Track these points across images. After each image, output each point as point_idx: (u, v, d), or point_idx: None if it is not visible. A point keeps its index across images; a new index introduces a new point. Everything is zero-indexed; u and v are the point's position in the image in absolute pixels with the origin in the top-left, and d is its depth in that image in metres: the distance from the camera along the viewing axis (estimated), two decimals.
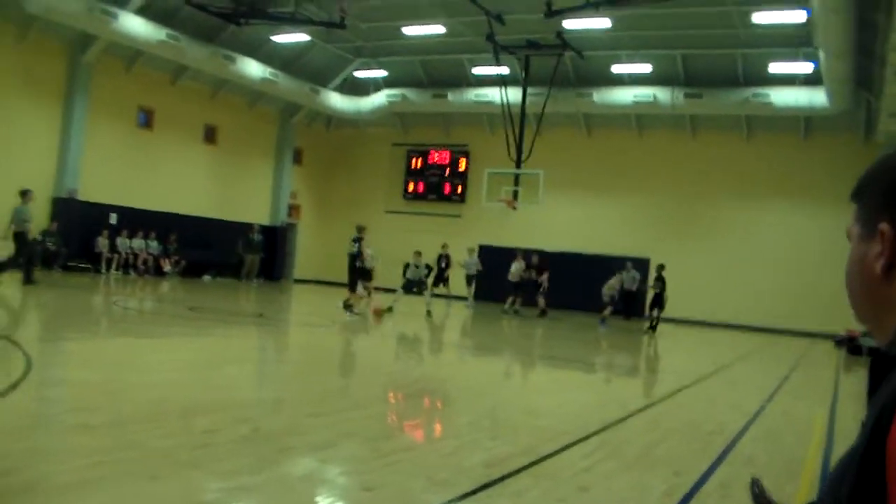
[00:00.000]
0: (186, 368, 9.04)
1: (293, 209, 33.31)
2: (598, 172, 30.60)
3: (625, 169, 30.33)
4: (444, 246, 24.39)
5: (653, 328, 21.53)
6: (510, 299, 24.28)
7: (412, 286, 20.78)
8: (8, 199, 19.33)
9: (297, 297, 25.74)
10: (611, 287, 22.52)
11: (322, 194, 35.06)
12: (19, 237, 17.89)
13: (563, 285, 27.03)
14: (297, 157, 33.75)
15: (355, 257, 18.76)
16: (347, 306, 18.48)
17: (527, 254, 25.58)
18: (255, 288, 26.51)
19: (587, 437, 6.77)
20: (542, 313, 24.57)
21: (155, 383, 7.78)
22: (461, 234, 29.69)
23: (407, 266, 21.26)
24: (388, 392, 8.90)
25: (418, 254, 20.97)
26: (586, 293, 26.45)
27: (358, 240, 18.70)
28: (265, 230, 31.03)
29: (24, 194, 18.32)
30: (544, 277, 25.00)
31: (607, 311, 21.81)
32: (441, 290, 23.27)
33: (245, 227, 29.77)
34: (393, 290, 21.04)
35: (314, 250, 33.35)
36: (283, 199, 32.86)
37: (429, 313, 20.59)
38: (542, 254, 26.48)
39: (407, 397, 8.55)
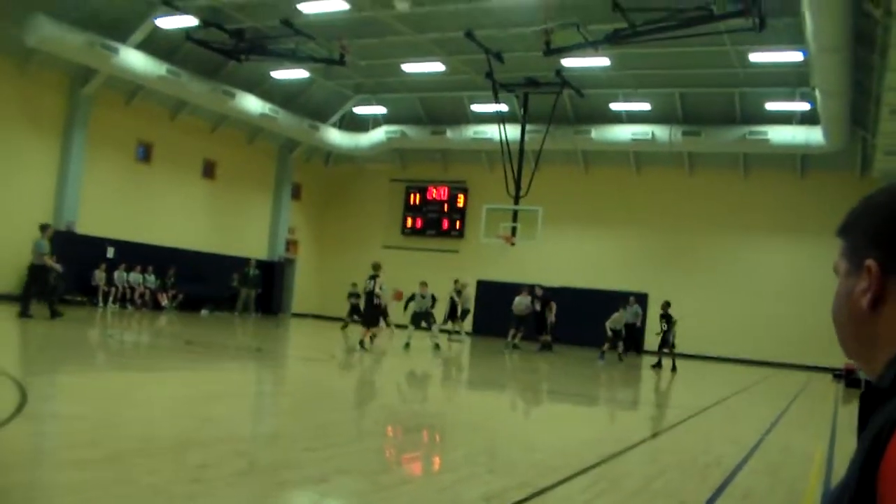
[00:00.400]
0: (182, 402, 8.92)
1: (291, 244, 33.19)
2: (596, 208, 30.56)
3: (623, 205, 30.28)
4: (457, 281, 24.27)
5: (658, 366, 21.26)
6: (512, 332, 23.85)
7: (419, 319, 20.47)
8: (6, 233, 19.07)
9: (295, 331, 25.55)
10: (615, 321, 22.25)
11: (320, 229, 34.74)
12: (36, 270, 18.07)
13: (562, 320, 26.65)
14: (296, 193, 33.48)
15: (371, 294, 18.61)
16: (362, 343, 18.36)
17: (531, 288, 25.24)
18: (252, 322, 26.30)
19: (586, 471, 6.70)
20: (544, 347, 24.38)
21: (150, 418, 7.70)
22: (459, 270, 29.43)
23: (412, 298, 21.05)
24: (386, 426, 8.80)
25: (424, 284, 20.78)
26: (585, 328, 26.38)
27: (374, 277, 18.56)
28: (264, 265, 30.81)
29: (44, 229, 18.46)
30: (551, 311, 24.72)
31: (606, 345, 21.64)
32: (451, 326, 23.31)
33: (243, 262, 29.48)
34: (400, 326, 20.78)
35: (312, 285, 33.04)
36: (281, 234, 32.54)
37: (437, 346, 20.28)
38: (539, 287, 26.29)
39: (405, 431, 8.45)
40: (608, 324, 22.01)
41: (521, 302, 24.19)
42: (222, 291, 28.76)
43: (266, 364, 14.69)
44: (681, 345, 25.22)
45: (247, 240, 30.94)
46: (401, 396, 11.98)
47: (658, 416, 11.95)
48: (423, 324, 20.78)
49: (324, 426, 8.03)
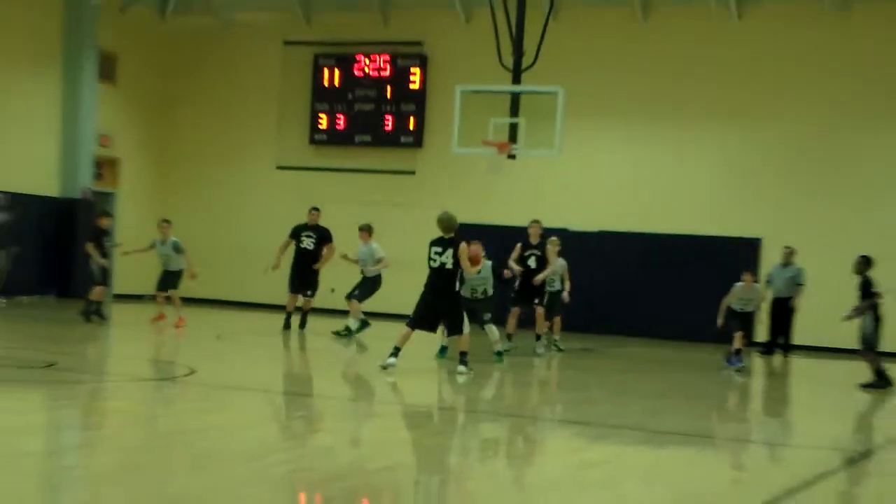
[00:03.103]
0: None
1: (105, 166, 24.69)
2: (662, 88, 22.69)
3: (712, 81, 22.47)
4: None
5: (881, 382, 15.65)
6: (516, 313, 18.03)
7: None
8: None
9: (117, 330, 19.26)
10: (743, 296, 16.92)
11: (158, 137, 26.76)
12: None
13: (600, 292, 21.59)
14: (108, 70, 24.70)
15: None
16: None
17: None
18: (29, 309, 21.05)
19: None
20: (539, 338, 18.17)
21: None
22: (416, 205, 23.52)
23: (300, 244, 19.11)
24: (292, 494, 6.67)
25: (366, 230, 18.07)
26: (648, 306, 22.21)
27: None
28: (54, 206, 23.14)
29: None
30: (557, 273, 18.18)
31: (738, 341, 16.64)
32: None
33: None
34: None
35: (147, 240, 23.17)
36: (82, 149, 23.63)
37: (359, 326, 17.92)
38: (560, 234, 19.32)
39: (325, 502, 6.51)
40: (734, 303, 16.82)
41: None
42: None
43: (66, 393, 11.16)
44: (825, 331, 20.36)
45: (15, 161, 22.33)
46: (311, 440, 8.96)
47: (783, 466, 9.00)
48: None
49: (176, 501, 6.14)
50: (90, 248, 16.84)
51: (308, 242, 17.52)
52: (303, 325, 17.21)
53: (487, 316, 15.19)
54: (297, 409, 11.06)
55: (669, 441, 9.63)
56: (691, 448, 9.40)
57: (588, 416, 10.92)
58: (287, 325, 17.03)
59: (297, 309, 17.45)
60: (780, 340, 19.32)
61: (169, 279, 17.09)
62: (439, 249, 13.35)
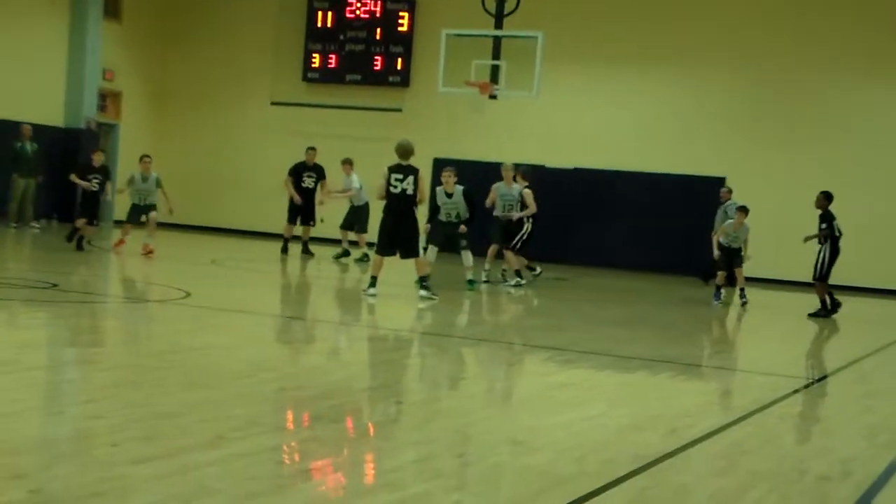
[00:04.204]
0: None
1: (109, 99, 25.27)
2: (636, 34, 23.41)
3: (685, 29, 23.21)
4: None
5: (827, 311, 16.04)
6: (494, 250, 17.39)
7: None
8: None
9: (116, 255, 18.38)
10: (727, 234, 16.95)
11: (159, 73, 27.20)
12: None
13: (574, 225, 22.40)
14: (113, 9, 25.16)
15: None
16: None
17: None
18: (37, 236, 20.63)
19: (614, 485, 5.13)
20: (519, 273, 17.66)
21: None
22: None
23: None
24: (279, 411, 6.64)
25: (347, 163, 18.89)
26: (619, 239, 22.60)
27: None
28: (59, 135, 23.25)
29: None
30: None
31: (720, 274, 16.99)
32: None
33: (10, 131, 21.39)
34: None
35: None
36: (87, 83, 23.96)
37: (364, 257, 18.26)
38: (537, 170, 19.77)
39: (312, 419, 6.34)
40: (721, 237, 17.08)
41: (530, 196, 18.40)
42: None
43: (67, 311, 11.06)
44: (782, 265, 21.18)
45: (25, 94, 22.60)
46: (305, 358, 9.01)
47: (739, 389, 9.37)
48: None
49: (167, 417, 6.02)
50: (74, 177, 16.79)
51: (309, 182, 18.31)
52: (306, 250, 17.90)
53: (464, 242, 15.13)
54: (288, 331, 10.96)
55: (635, 366, 9.76)
56: (655, 373, 9.55)
57: (558, 341, 10.96)
58: (285, 250, 17.68)
59: (294, 237, 18.08)
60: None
61: (144, 211, 16.46)
62: (400, 176, 13.22)
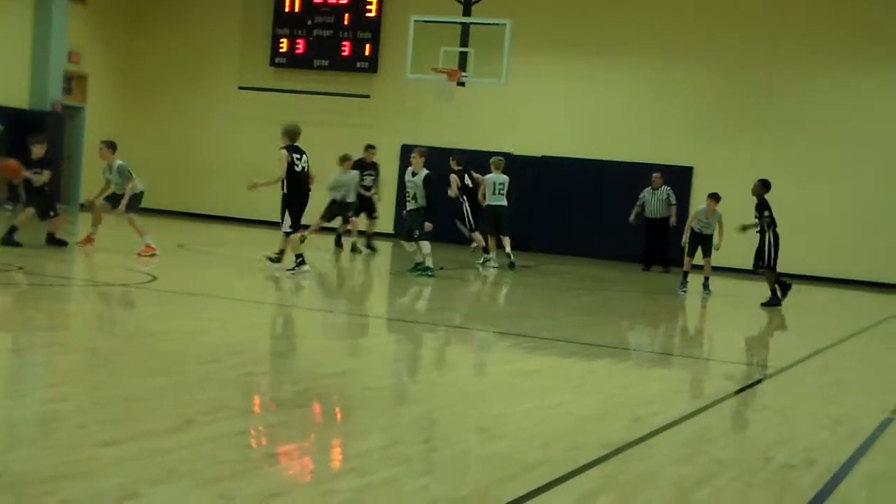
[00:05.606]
0: None
1: (74, 81, 24.69)
2: (604, 24, 23.22)
3: (654, 18, 22.98)
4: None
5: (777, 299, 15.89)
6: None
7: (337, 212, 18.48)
8: None
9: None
10: (700, 220, 17.02)
11: (125, 55, 26.58)
12: None
13: (541, 213, 22.29)
14: None
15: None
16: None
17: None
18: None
19: (579, 472, 5.16)
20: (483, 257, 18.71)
21: None
22: (370, 127, 23.58)
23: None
24: (245, 396, 6.50)
25: (346, 159, 18.54)
26: (584, 228, 22.72)
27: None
28: (23, 117, 22.46)
29: None
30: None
31: (688, 262, 16.82)
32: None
33: None
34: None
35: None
36: (53, 65, 23.47)
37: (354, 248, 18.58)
38: (505, 158, 19.79)
39: (280, 406, 6.24)
40: (694, 224, 16.89)
41: (456, 180, 19.34)
42: None
43: (33, 294, 11.05)
44: (743, 256, 19.53)
45: None
46: (275, 345, 9.01)
47: (704, 377, 9.39)
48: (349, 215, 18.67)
49: (135, 400, 5.95)
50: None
51: (369, 180, 19.07)
52: (370, 246, 18.57)
53: (416, 233, 15.29)
54: (255, 316, 10.70)
55: (600, 354, 9.69)
56: (620, 361, 9.55)
57: (524, 328, 10.88)
58: (339, 243, 18.33)
59: (360, 232, 18.59)
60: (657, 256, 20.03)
61: (116, 201, 14.79)
62: (299, 155, 14.01)
